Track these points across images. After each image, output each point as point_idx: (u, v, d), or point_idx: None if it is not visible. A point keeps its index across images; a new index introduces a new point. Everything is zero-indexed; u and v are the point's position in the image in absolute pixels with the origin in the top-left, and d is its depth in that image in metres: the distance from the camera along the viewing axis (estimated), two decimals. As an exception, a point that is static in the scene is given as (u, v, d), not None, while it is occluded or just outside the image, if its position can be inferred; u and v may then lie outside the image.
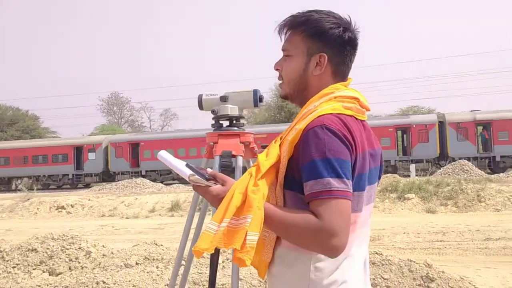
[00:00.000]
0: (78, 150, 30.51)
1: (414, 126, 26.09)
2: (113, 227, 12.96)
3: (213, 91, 2.18)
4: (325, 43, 1.52)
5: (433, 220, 11.08)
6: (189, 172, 1.39)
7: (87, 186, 29.27)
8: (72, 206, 17.05)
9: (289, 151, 1.43)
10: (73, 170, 30.18)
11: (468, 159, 23.71)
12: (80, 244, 6.41)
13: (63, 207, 17.03)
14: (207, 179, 1.43)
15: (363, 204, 1.49)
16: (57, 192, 23.39)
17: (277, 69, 1.64)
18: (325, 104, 1.47)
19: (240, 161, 2.08)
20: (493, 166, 24.77)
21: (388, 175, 16.11)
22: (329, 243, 1.30)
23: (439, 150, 25.64)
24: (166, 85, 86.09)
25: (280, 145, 1.49)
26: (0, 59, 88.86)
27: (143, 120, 66.66)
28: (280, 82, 1.63)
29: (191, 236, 2.36)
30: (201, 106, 2.18)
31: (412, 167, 22.46)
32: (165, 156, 1.50)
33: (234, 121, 2.14)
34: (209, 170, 1.48)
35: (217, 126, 2.16)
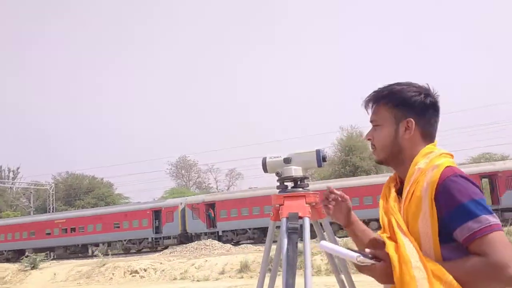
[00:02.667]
0: (157, 214, 31.27)
1: (501, 172, 24.55)
2: (184, 290, 13.00)
3: (276, 154, 2.20)
4: (410, 110, 1.66)
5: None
6: (356, 254, 1.47)
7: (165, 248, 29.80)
8: (145, 270, 17.35)
9: (430, 206, 1.51)
10: (152, 234, 30.86)
11: None
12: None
13: (136, 272, 17.35)
14: (371, 259, 1.51)
15: None
16: (131, 257, 23.91)
17: (368, 139, 1.78)
18: (437, 159, 1.58)
19: (307, 223, 2.05)
20: None
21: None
22: (505, 276, 1.37)
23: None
24: (230, 146, 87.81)
25: (403, 206, 1.58)
26: (74, 131, 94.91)
27: (209, 181, 67.90)
28: (373, 149, 1.77)
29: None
30: (265, 169, 2.20)
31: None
32: (327, 245, 1.59)
33: (299, 182, 2.14)
34: (367, 250, 1.55)
35: (282, 188, 2.16)
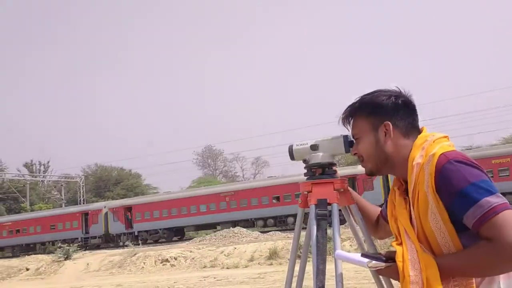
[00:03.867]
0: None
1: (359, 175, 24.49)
2: (215, 278, 13.16)
3: (303, 141, 2.19)
4: (384, 114, 1.68)
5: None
6: (366, 260, 1.50)
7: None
8: (175, 259, 17.61)
9: (434, 199, 1.50)
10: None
11: None
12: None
13: (167, 260, 17.64)
14: (385, 261, 1.52)
15: None
16: (160, 246, 24.28)
17: (354, 154, 1.83)
18: (431, 148, 1.56)
19: (335, 209, 2.05)
20: None
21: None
22: None
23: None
24: (256, 134, 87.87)
25: (411, 205, 1.58)
26: (102, 126, 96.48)
27: (236, 170, 68.24)
28: (361, 162, 1.80)
29: (293, 285, 2.33)
30: (292, 157, 2.20)
31: None
32: (343, 254, 1.63)
33: (327, 169, 2.13)
34: (382, 252, 1.58)
35: (310, 175, 2.16)
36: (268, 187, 29.21)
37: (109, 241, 34.08)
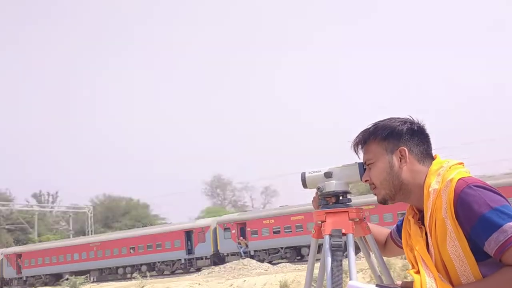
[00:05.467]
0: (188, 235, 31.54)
1: None
2: (224, 311, 12.89)
3: (315, 168, 2.13)
4: (399, 139, 1.66)
5: None
6: None
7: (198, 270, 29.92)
8: (184, 292, 17.35)
9: (453, 225, 1.45)
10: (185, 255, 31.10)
11: None
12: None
13: (175, 293, 17.38)
14: None
15: None
16: (169, 278, 23.98)
17: (366, 181, 1.78)
18: (448, 174, 1.52)
19: (351, 239, 1.96)
20: None
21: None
22: None
23: None
24: (264, 161, 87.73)
25: (429, 233, 1.53)
26: (109, 157, 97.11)
27: (245, 199, 67.96)
28: (373, 189, 1.76)
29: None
30: (305, 185, 2.13)
31: None
32: (357, 285, 1.57)
33: (341, 197, 2.05)
34: (398, 282, 1.56)
35: (323, 204, 2.08)
36: (125, 239, 33.51)
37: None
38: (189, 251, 31.02)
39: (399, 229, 1.92)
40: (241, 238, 29.34)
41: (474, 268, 1.43)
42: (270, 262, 25.96)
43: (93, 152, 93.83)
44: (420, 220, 1.64)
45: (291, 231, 27.53)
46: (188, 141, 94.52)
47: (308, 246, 2.40)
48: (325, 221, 2.01)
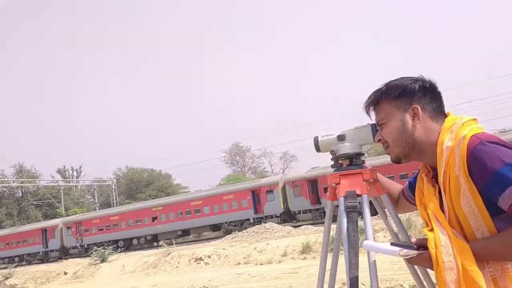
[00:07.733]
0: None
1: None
2: (249, 274, 13.17)
3: (328, 132, 2.13)
4: (412, 98, 1.65)
5: None
6: (397, 249, 1.47)
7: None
8: (209, 257, 17.72)
9: (467, 182, 1.45)
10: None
11: None
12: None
13: (200, 259, 17.76)
14: (417, 249, 1.49)
15: None
16: (194, 244, 24.49)
17: (379, 140, 1.78)
18: (462, 131, 1.51)
19: (366, 200, 1.99)
20: None
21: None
22: None
23: None
24: (282, 128, 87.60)
25: (443, 190, 1.53)
26: (133, 128, 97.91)
27: (264, 165, 68.22)
28: (386, 148, 1.75)
29: (326, 279, 2.28)
30: (318, 148, 2.14)
31: None
32: (371, 244, 1.60)
33: (354, 159, 2.06)
34: (413, 239, 1.56)
35: (337, 166, 2.09)
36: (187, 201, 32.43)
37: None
38: (256, 211, 29.24)
39: (411, 185, 1.92)
40: (313, 195, 27.23)
41: (489, 223, 1.44)
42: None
43: (115, 126, 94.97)
44: (434, 178, 1.64)
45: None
46: (207, 111, 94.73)
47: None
48: (339, 183, 2.03)
